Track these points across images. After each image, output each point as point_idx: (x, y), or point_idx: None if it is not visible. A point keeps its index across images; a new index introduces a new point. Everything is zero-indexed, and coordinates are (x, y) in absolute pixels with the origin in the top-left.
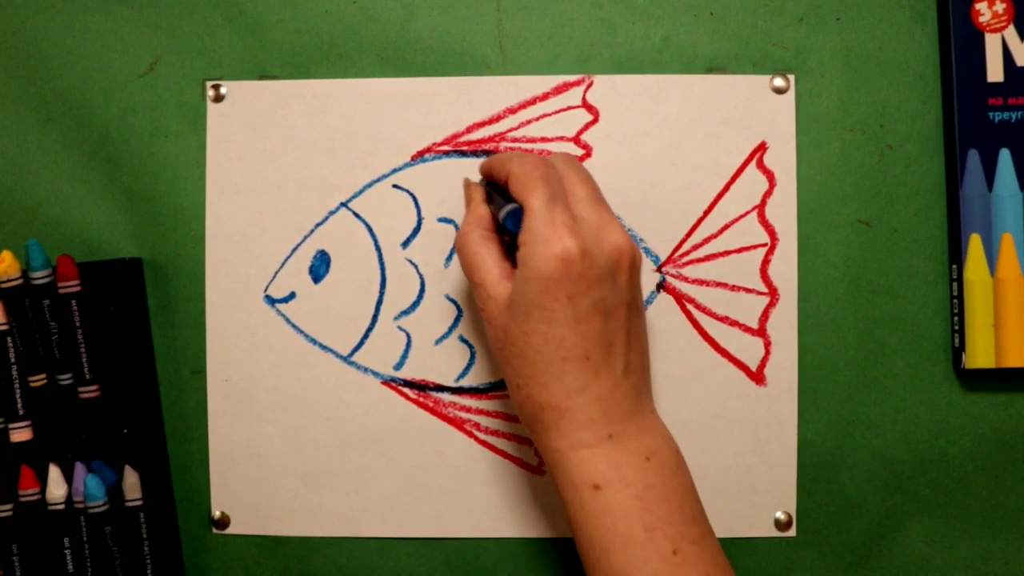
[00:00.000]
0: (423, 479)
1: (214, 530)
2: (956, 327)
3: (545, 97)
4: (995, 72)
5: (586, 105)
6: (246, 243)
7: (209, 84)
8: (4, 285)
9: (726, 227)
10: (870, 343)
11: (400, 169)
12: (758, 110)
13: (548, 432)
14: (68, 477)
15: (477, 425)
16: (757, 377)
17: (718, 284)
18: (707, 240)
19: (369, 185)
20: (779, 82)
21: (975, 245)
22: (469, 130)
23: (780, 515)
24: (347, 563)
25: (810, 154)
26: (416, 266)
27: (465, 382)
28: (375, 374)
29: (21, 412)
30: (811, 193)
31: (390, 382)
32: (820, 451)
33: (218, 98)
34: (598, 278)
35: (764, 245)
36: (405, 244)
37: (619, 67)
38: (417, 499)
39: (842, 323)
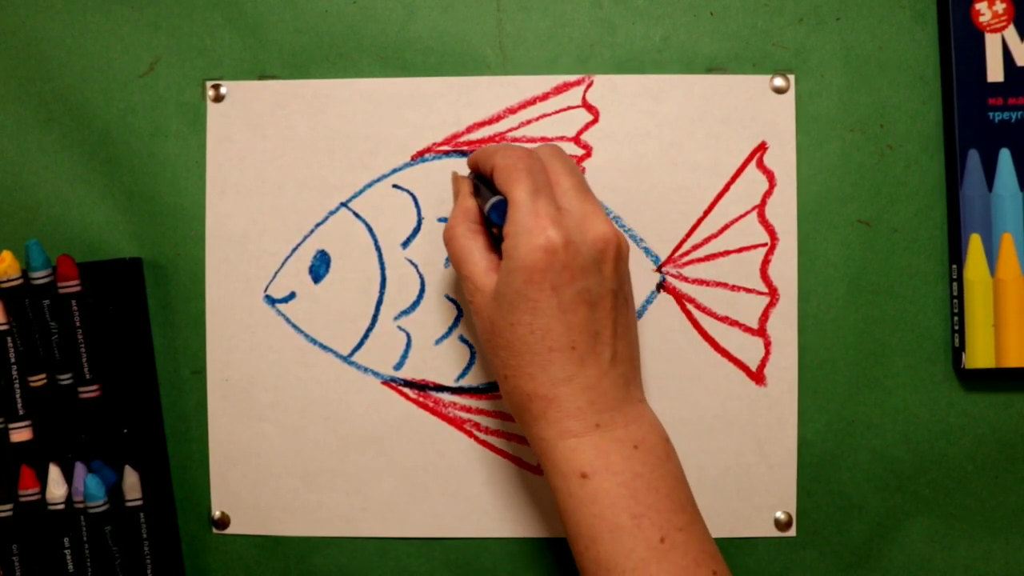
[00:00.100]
0: (423, 479)
1: (214, 530)
2: (956, 327)
3: (545, 97)
4: (995, 72)
5: (586, 105)
6: (246, 243)
7: (209, 84)
8: (4, 285)
9: (726, 227)
10: (870, 343)
11: (400, 169)
12: (758, 110)
13: (536, 422)
14: (68, 477)
15: (477, 425)
16: (757, 377)
17: (718, 284)
18: (707, 240)
19: (369, 185)
20: (779, 82)
21: (975, 245)
22: (469, 130)
23: (780, 515)
24: (347, 563)
25: (810, 154)
26: (416, 266)
27: (465, 382)
28: (375, 374)
29: (21, 412)
30: (811, 193)
31: (390, 382)
32: (820, 451)
33: (218, 98)
34: (583, 268)
35: (764, 245)
36: (405, 244)
37: (619, 67)
38: (417, 499)
39: (842, 323)
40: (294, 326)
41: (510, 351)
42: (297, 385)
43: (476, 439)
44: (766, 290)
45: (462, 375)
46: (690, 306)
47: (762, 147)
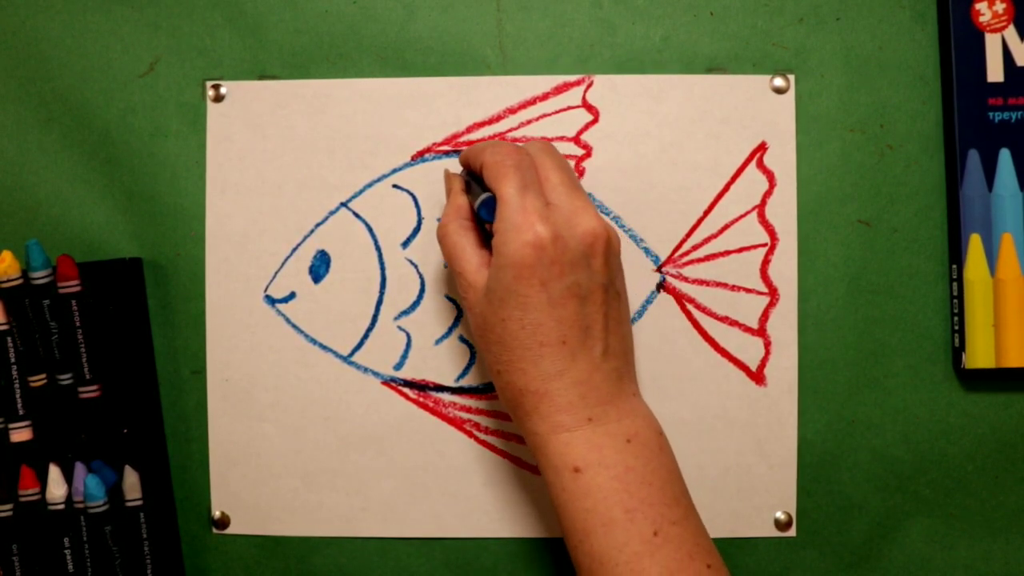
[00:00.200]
0: (423, 479)
1: (214, 530)
2: (956, 327)
3: (545, 97)
4: (995, 72)
5: (586, 105)
6: (246, 243)
7: (209, 84)
8: (4, 285)
9: (726, 227)
10: (870, 343)
11: (400, 169)
12: (758, 110)
13: (529, 416)
14: (68, 477)
15: (477, 425)
16: (757, 377)
17: (718, 284)
18: (707, 240)
19: (369, 185)
20: (779, 82)
21: (975, 245)
22: (469, 130)
23: (780, 515)
24: (347, 563)
25: (810, 154)
26: (416, 266)
27: (465, 382)
28: (375, 374)
29: (21, 412)
30: (811, 193)
31: (390, 382)
32: (820, 451)
33: (218, 98)
34: (572, 263)
35: (764, 245)
36: (405, 244)
37: (619, 67)
38: (417, 499)
39: (842, 323)
40: (294, 326)
41: (501, 346)
42: (297, 385)
43: (476, 439)
44: (766, 290)
45: (462, 375)
46: (690, 306)
47: (762, 147)
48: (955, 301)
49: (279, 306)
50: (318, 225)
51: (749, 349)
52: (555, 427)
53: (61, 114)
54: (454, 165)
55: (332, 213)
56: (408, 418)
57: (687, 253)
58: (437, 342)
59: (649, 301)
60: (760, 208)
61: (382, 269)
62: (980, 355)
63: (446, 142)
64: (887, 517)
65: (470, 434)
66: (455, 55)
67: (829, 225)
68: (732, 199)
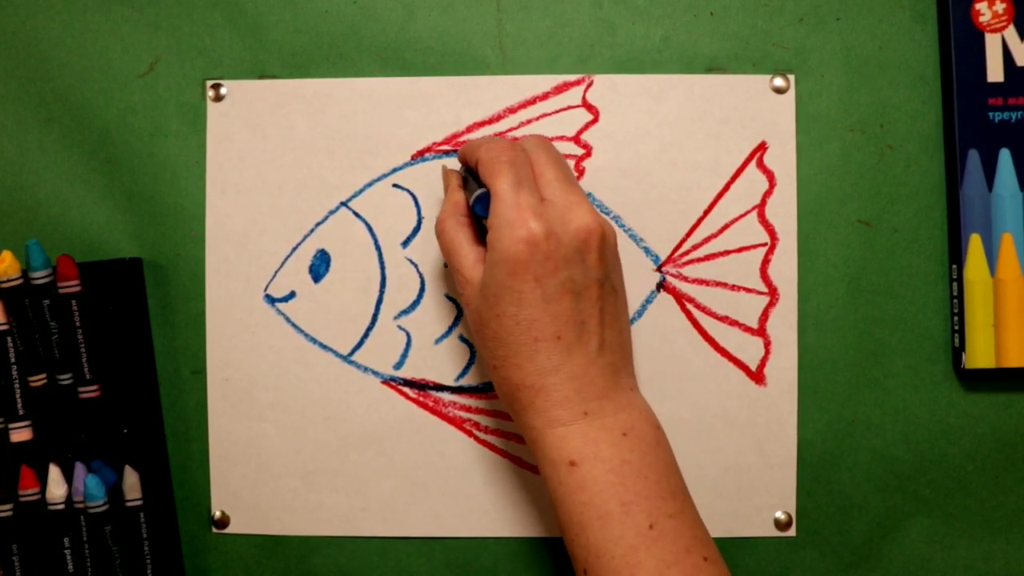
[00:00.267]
0: (423, 479)
1: (214, 530)
2: (956, 327)
3: (545, 97)
4: (995, 72)
5: (586, 105)
6: (246, 243)
7: (209, 84)
8: (4, 285)
9: (726, 227)
10: (870, 343)
11: (400, 169)
12: (758, 110)
13: (525, 411)
14: (68, 477)
15: (477, 425)
16: (757, 377)
17: (718, 284)
18: (707, 240)
19: (369, 184)
20: (779, 82)
21: (975, 245)
22: (469, 130)
23: (780, 515)
24: (347, 563)
25: (810, 154)
26: (416, 265)
27: (465, 382)
28: (375, 374)
29: (21, 412)
30: (811, 193)
31: (390, 382)
32: (820, 451)
33: (218, 98)
34: (566, 258)
35: (764, 245)
36: (405, 244)
37: (619, 67)
38: (417, 499)
39: (842, 323)
40: (294, 326)
41: (497, 342)
42: (297, 385)
43: (476, 439)
44: (766, 290)
45: (462, 375)
46: (690, 306)
47: (762, 147)
48: (955, 301)
49: (279, 306)
50: (318, 224)
51: (749, 349)
52: (551, 422)
53: (61, 114)
54: (454, 164)
55: (332, 213)
56: (408, 418)
57: (687, 253)
58: (437, 341)
59: (649, 301)
60: (760, 208)
61: (382, 269)
62: (980, 355)
63: (446, 142)
64: (887, 517)
65: (470, 434)
66: (455, 55)
67: (829, 225)
68: (732, 199)
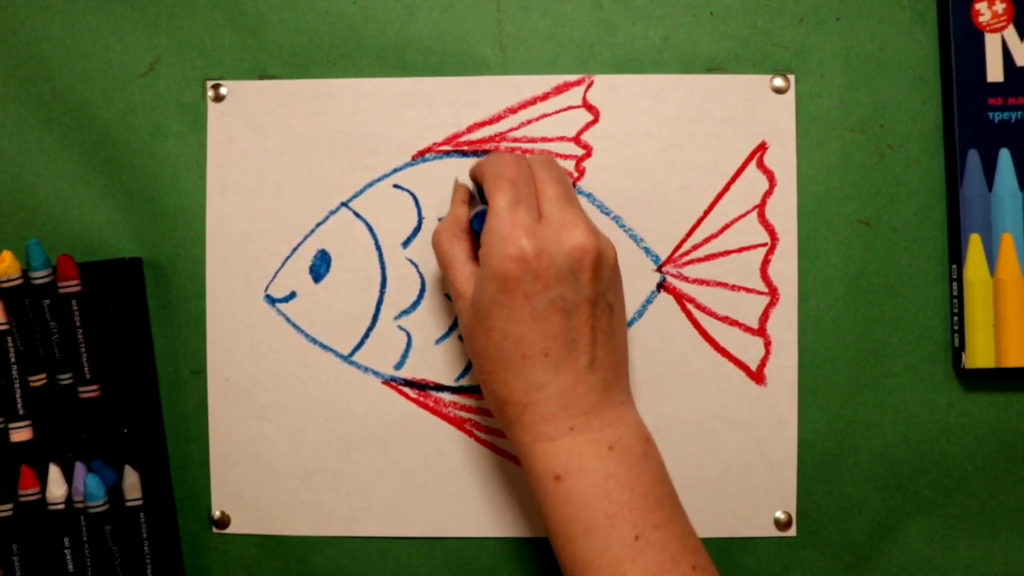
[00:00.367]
0: (423, 479)
1: (214, 530)
2: (956, 327)
3: (545, 97)
4: (995, 72)
5: (586, 105)
6: (246, 243)
7: (209, 84)
8: (4, 285)
9: (726, 227)
10: (870, 343)
11: (400, 169)
12: (758, 110)
13: (512, 425)
14: (68, 477)
15: (477, 425)
16: (757, 377)
17: (718, 284)
18: (707, 240)
19: (369, 185)
20: (779, 82)
21: (975, 245)
22: (469, 130)
23: (780, 515)
24: (347, 563)
25: (810, 154)
26: (416, 266)
27: (465, 382)
28: (375, 374)
29: (21, 412)
30: (811, 193)
31: (390, 382)
32: (820, 451)
33: (218, 98)
34: (557, 277)
35: (764, 245)
36: (405, 244)
37: (619, 67)
38: (417, 499)
39: (842, 323)
40: (294, 326)
41: (485, 356)
42: (297, 385)
43: (476, 439)
44: (766, 290)
45: (462, 375)
46: (690, 306)
47: (762, 147)
48: (955, 301)
49: (279, 306)
50: (318, 225)
51: (749, 349)
52: (537, 436)
53: (61, 114)
54: (454, 165)
55: (332, 213)
56: (408, 418)
57: (687, 253)
58: (437, 342)
59: (649, 301)
60: (760, 208)
61: (382, 269)
62: (980, 355)
63: (446, 142)
64: (887, 517)
65: (470, 434)
66: (455, 55)
67: (829, 225)
68: (732, 199)
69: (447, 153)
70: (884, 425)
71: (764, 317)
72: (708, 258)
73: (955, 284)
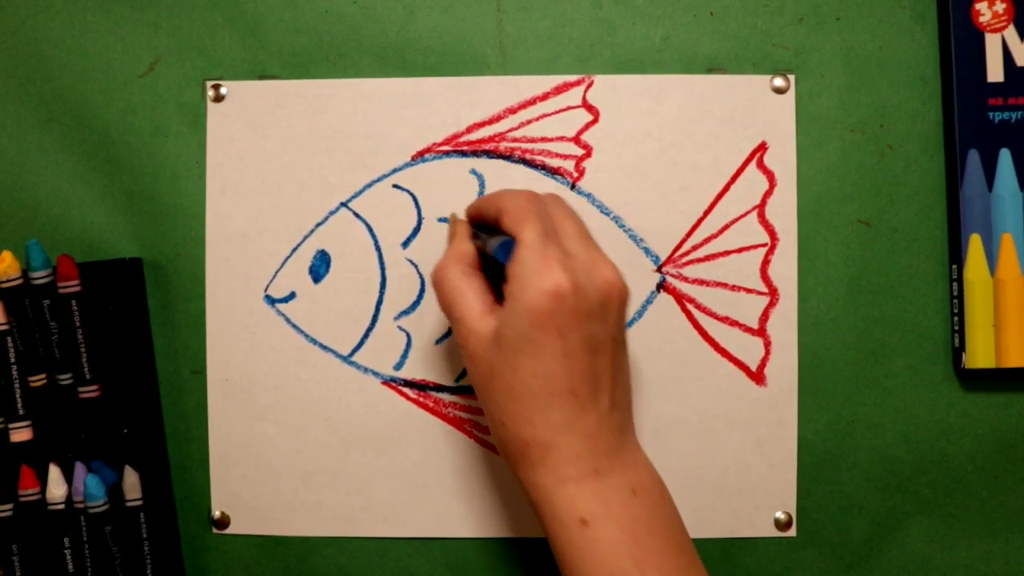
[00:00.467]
0: (423, 479)
1: (214, 530)
2: (956, 327)
3: (545, 97)
4: (995, 72)
5: (586, 105)
6: (246, 243)
7: (209, 84)
8: (4, 285)
9: (726, 227)
10: (870, 343)
11: (400, 169)
12: (758, 110)
13: (534, 468)
14: (68, 477)
15: (477, 425)
16: (757, 377)
17: (718, 284)
18: (707, 240)
19: (369, 185)
20: (779, 82)
21: (975, 245)
22: (469, 130)
23: (780, 515)
24: (347, 563)
25: (810, 154)
26: (416, 266)
27: (465, 382)
28: (375, 374)
29: (21, 412)
30: (811, 193)
31: (390, 382)
32: (820, 451)
33: (218, 98)
34: (589, 313)
35: (764, 245)
36: (405, 244)
37: (619, 67)
38: (417, 499)
39: (842, 323)
40: (294, 326)
41: (509, 395)
42: (297, 385)
43: (476, 439)
44: (766, 290)
45: (462, 375)
46: (690, 306)
47: (762, 147)
48: (955, 301)
49: (279, 306)
50: (318, 225)
51: (749, 349)
52: (562, 479)
53: (61, 114)
54: (454, 165)
55: (332, 213)
56: (408, 418)
57: (687, 253)
58: (437, 342)
59: (649, 301)
60: (760, 208)
61: (382, 269)
62: (980, 355)
63: (446, 142)
64: (887, 517)
65: (470, 434)
66: (455, 55)
67: (829, 225)
68: (732, 199)
69: (447, 153)
70: (884, 425)
71: (764, 317)
72: (708, 258)
73: (955, 284)
